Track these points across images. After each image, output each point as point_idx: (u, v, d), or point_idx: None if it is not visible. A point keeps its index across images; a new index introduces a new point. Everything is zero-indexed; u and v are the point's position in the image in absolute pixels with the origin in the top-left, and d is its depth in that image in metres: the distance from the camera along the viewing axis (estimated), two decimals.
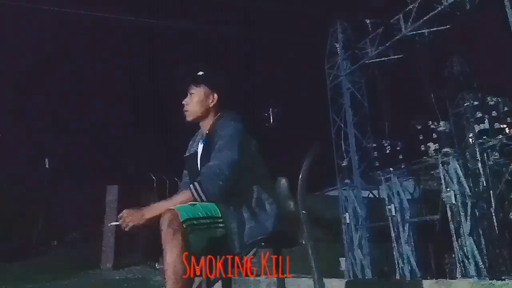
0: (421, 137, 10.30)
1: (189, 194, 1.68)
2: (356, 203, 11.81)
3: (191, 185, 1.69)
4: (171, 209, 1.58)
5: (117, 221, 1.69)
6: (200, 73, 1.98)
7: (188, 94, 1.97)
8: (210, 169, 1.69)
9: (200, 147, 1.94)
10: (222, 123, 1.87)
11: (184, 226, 1.55)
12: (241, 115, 1.94)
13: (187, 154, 2.03)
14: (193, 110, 1.95)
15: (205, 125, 1.96)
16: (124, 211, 1.68)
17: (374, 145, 11.65)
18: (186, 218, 1.56)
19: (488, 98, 9.67)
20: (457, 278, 8.70)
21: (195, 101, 1.95)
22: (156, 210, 1.64)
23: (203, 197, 1.66)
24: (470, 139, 9.65)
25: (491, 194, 9.10)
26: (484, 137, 9.32)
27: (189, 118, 1.97)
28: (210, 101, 1.95)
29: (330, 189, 14.07)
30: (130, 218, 1.65)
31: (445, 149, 9.70)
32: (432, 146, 9.98)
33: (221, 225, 1.66)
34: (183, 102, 1.97)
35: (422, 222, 10.64)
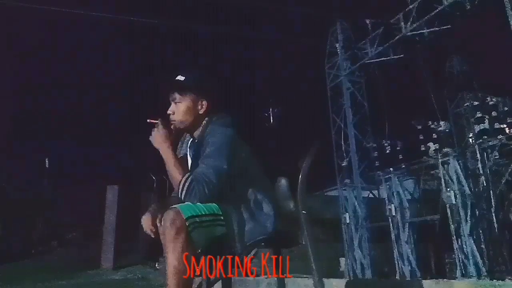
0: (421, 137, 10.29)
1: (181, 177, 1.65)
2: (356, 203, 11.80)
3: (186, 176, 1.64)
4: (173, 207, 1.57)
5: (155, 121, 1.79)
6: (182, 78, 1.86)
7: (172, 103, 1.86)
8: (198, 175, 1.65)
9: (190, 152, 1.90)
10: (211, 128, 1.77)
11: (187, 224, 1.53)
12: (231, 118, 1.84)
13: None
14: (181, 120, 1.84)
15: (195, 131, 1.88)
16: (161, 126, 1.76)
17: (374, 145, 11.64)
18: (189, 216, 1.55)
19: (488, 98, 9.67)
20: (457, 278, 8.69)
21: (182, 110, 1.84)
22: (165, 154, 1.73)
23: (183, 194, 1.62)
24: (470, 139, 9.65)
25: (491, 194, 9.10)
26: (484, 137, 9.32)
27: (178, 128, 1.87)
28: (199, 108, 1.85)
29: (330, 189, 14.06)
30: (155, 136, 1.75)
31: (445, 149, 9.69)
32: (432, 146, 9.97)
33: (222, 222, 1.65)
34: (168, 112, 1.85)
35: (422, 222, 10.63)
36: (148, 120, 1.81)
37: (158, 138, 1.75)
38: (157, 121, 1.79)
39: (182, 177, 1.64)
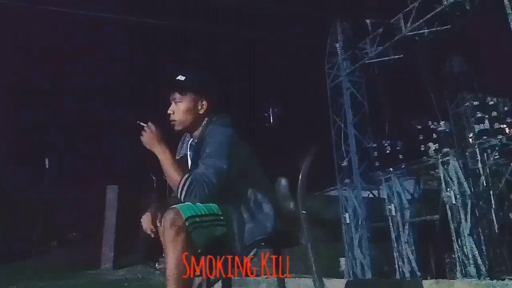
0: (421, 137, 10.29)
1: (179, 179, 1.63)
2: (356, 203, 11.80)
3: (185, 176, 1.62)
4: (173, 207, 1.56)
5: (144, 123, 1.75)
6: (182, 78, 1.86)
7: (173, 103, 1.85)
8: (198, 175, 1.64)
9: (190, 152, 1.89)
10: (211, 128, 1.78)
11: (187, 224, 1.53)
12: (231, 118, 1.85)
13: (177, 157, 1.93)
14: (181, 120, 1.84)
15: (195, 131, 1.88)
16: (152, 126, 1.73)
17: (374, 145, 11.64)
18: (189, 216, 1.55)
19: (488, 98, 9.68)
20: (457, 278, 8.69)
21: (183, 110, 1.84)
22: (161, 155, 1.69)
23: (183, 194, 1.60)
24: (470, 139, 9.66)
25: (491, 194, 9.11)
26: (484, 137, 9.33)
27: (178, 128, 1.86)
28: (199, 108, 1.85)
29: (330, 189, 14.06)
30: (147, 137, 1.72)
31: (445, 149, 9.69)
32: (432, 146, 9.98)
33: (222, 222, 1.65)
34: (168, 112, 1.85)
35: (422, 222, 10.64)
36: (138, 122, 1.79)
37: (150, 139, 1.73)
38: (145, 125, 1.76)
39: (181, 177, 1.63)
